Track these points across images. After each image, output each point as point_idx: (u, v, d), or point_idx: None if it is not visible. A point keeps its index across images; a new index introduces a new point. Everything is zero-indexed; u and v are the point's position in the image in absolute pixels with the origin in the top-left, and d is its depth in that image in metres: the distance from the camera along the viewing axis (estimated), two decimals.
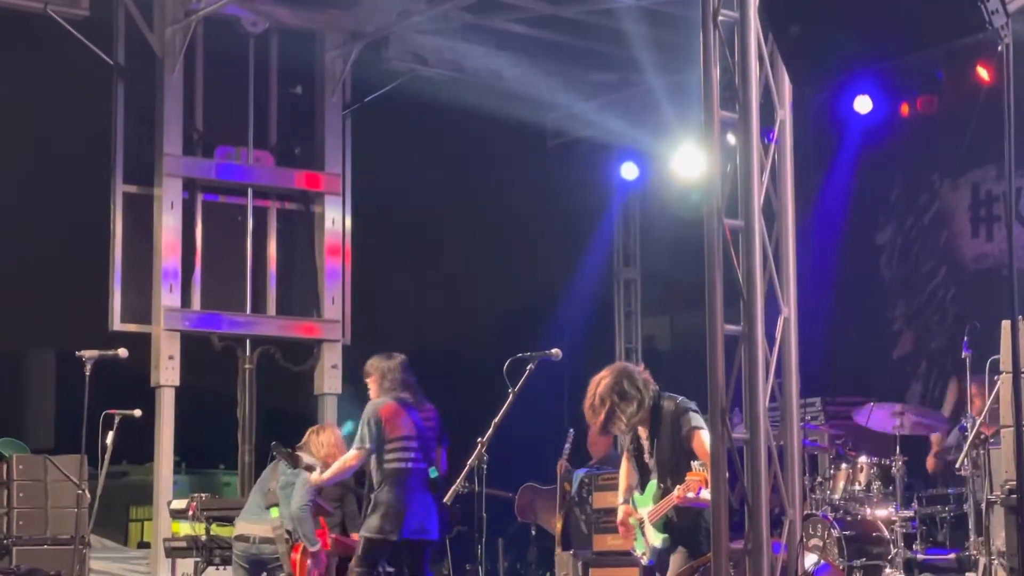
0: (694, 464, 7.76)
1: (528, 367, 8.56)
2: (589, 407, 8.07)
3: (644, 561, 8.26)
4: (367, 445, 9.75)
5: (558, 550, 12.03)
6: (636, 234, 17.53)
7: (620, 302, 17.45)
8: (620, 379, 8.05)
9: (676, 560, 8.08)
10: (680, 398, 8.08)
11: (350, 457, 9.92)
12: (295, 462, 10.31)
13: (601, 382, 8.05)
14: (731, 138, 7.00)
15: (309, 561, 10.35)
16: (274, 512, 10.49)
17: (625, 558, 10.90)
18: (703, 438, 7.73)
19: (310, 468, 10.27)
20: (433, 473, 9.83)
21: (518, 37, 15.16)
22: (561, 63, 15.65)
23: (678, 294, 16.91)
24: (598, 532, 11.36)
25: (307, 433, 10.87)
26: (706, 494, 7.37)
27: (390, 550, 9.74)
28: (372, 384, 10.07)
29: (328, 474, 10.12)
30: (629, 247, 17.54)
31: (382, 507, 9.68)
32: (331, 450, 11.33)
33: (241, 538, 10.62)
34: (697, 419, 7.89)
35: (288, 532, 10.44)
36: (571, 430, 12.40)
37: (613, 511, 10.84)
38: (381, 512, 9.67)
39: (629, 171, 17.06)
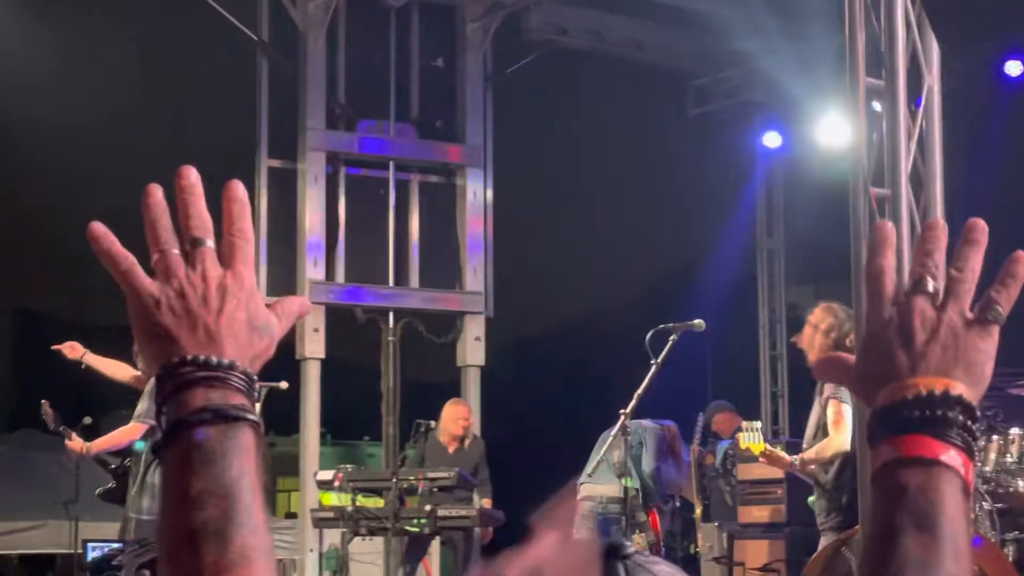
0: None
1: (671, 338, 8.51)
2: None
3: None
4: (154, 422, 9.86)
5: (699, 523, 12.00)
6: (779, 203, 17.34)
7: (763, 272, 17.29)
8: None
9: (826, 541, 8.03)
10: None
11: (133, 430, 9.77)
12: None
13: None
14: (877, 105, 6.89)
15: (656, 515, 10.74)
16: (627, 482, 10.61)
17: (770, 530, 10.84)
18: (834, 407, 7.68)
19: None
20: None
21: (658, 6, 15.04)
22: (702, 31, 15.51)
23: (822, 264, 16.69)
24: (743, 504, 11.29)
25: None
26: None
27: None
28: None
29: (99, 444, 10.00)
30: (772, 216, 17.36)
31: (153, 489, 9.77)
32: (461, 423, 11.51)
33: (587, 498, 10.91)
34: (838, 388, 7.80)
35: (638, 491, 10.66)
36: (700, 414, 12.34)
37: (757, 483, 10.80)
38: (151, 494, 9.71)
39: (772, 140, 16.88)
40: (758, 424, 8.73)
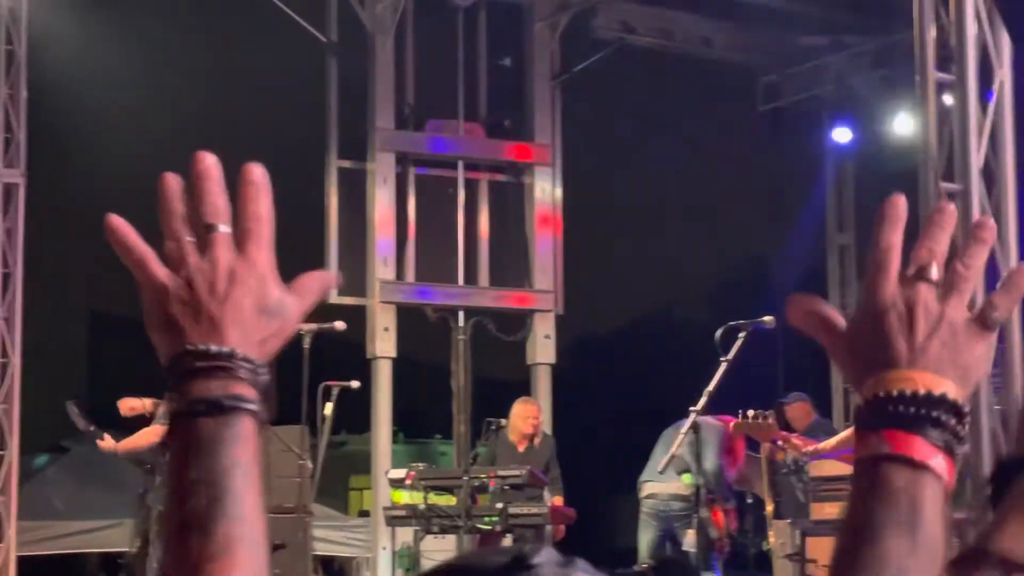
0: None
1: (741, 335, 8.49)
2: None
3: None
4: None
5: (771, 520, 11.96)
6: (850, 198, 17.23)
7: (834, 268, 17.19)
8: None
9: None
10: None
11: (156, 430, 10.20)
12: None
13: None
14: (948, 99, 6.85)
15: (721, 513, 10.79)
16: (686, 478, 10.66)
17: None
18: None
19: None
20: None
21: (727, 2, 15.01)
22: (771, 28, 15.46)
23: None
24: (816, 501, 11.23)
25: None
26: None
27: None
28: None
29: (126, 444, 10.37)
30: (843, 212, 17.26)
31: None
32: (531, 422, 11.55)
33: (651, 496, 10.98)
34: None
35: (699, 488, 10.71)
36: (770, 411, 12.30)
37: (830, 479, 10.75)
38: None
39: (842, 135, 16.79)
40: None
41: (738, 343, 8.47)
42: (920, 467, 1.35)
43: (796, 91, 16.43)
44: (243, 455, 1.38)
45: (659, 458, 10.83)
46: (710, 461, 10.52)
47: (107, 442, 10.50)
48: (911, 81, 6.90)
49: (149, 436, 10.33)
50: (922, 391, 1.38)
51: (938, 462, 1.36)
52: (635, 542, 11.44)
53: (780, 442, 11.25)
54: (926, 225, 1.48)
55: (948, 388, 1.38)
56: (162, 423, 10.10)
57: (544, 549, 1.36)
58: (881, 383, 1.41)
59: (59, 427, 10.87)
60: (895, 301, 1.44)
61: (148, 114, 16.05)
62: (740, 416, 9.15)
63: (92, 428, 10.63)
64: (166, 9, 15.39)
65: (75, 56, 13.73)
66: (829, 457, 9.81)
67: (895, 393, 1.39)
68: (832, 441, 8.79)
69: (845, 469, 10.01)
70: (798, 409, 12.66)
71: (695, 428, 9.01)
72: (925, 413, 1.37)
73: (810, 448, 9.05)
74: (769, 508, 11.83)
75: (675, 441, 10.28)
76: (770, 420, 8.96)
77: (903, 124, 14.86)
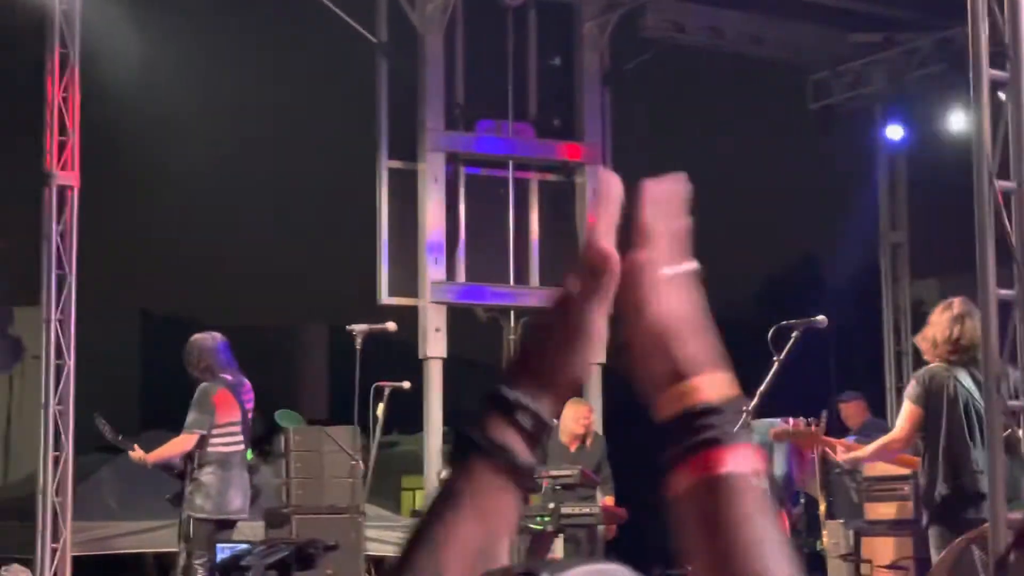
0: None
1: (793, 335, 8.45)
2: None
3: None
4: (204, 431, 10.37)
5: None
6: (903, 196, 17.13)
7: (887, 266, 17.09)
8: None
9: (934, 536, 7.97)
10: (932, 365, 8.04)
11: (184, 441, 10.42)
12: None
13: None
14: (1003, 96, 6.80)
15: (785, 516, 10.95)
16: None
17: (898, 527, 10.72)
18: (903, 407, 7.88)
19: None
20: (248, 455, 10.75)
21: (776, 1, 14.95)
22: (822, 24, 15.39)
23: (947, 257, 16.50)
24: (869, 500, 11.18)
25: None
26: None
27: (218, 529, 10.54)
28: (188, 362, 10.67)
29: (156, 455, 10.60)
30: (896, 210, 17.16)
31: (204, 488, 10.40)
32: (582, 422, 11.54)
33: None
34: (911, 386, 8.00)
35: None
36: (823, 411, 12.25)
37: (883, 479, 10.69)
38: (204, 493, 10.41)
39: (895, 132, 16.69)
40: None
41: (790, 343, 8.42)
42: (722, 478, 1.34)
43: (847, 89, 16.34)
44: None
45: None
46: (779, 466, 10.50)
47: (137, 452, 10.64)
48: (965, 78, 6.85)
49: (180, 446, 10.48)
50: (697, 404, 1.38)
51: (737, 461, 1.35)
52: None
53: (825, 449, 11.24)
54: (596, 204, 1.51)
55: (713, 387, 1.39)
56: (192, 432, 10.34)
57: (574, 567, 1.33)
58: (675, 400, 1.40)
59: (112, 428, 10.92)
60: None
61: (200, 116, 16.13)
62: (783, 424, 9.13)
63: (121, 438, 10.75)
64: (217, 12, 15.46)
65: (128, 58, 13.81)
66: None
67: (683, 412, 1.38)
68: (868, 449, 8.76)
69: (899, 469, 9.95)
70: (854, 407, 12.62)
71: (747, 428, 8.99)
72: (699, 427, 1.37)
73: (848, 456, 9.04)
74: (822, 507, 11.78)
75: None
76: (813, 428, 8.94)
77: (956, 121, 14.76)
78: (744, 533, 1.31)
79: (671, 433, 1.37)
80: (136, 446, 10.63)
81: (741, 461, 1.35)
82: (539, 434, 1.41)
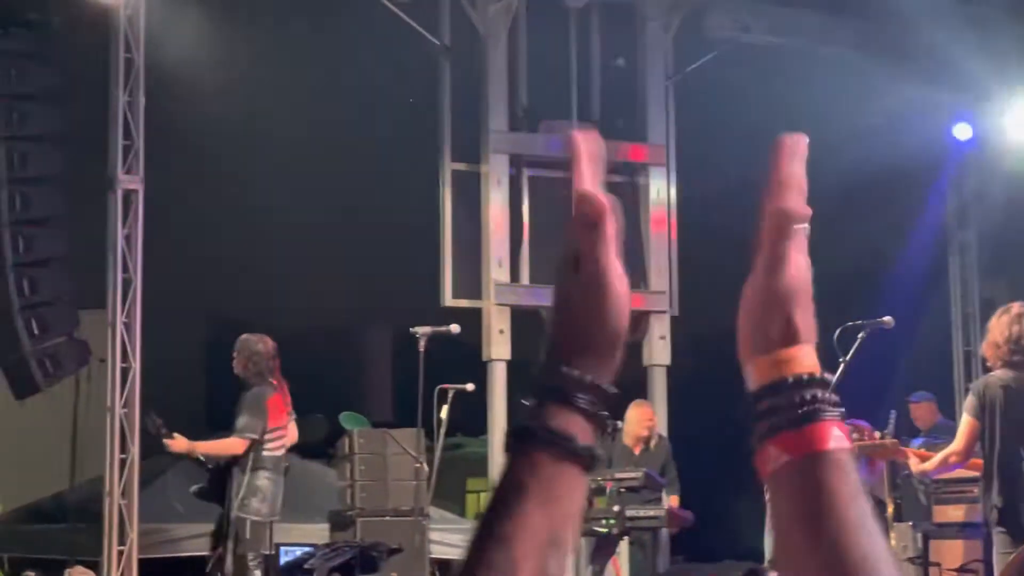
0: None
1: (859, 335, 8.39)
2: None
3: None
4: (256, 436, 10.46)
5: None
6: (970, 195, 16.98)
7: (955, 265, 16.95)
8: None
9: (997, 543, 7.92)
10: (989, 374, 8.05)
11: (236, 444, 10.50)
12: None
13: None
14: None
15: None
16: None
17: (967, 530, 10.62)
18: (962, 419, 7.91)
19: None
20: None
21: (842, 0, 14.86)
22: (889, 22, 15.26)
23: (1017, 256, 16.33)
24: (938, 503, 11.08)
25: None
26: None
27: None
28: (239, 364, 10.74)
29: (205, 448, 10.79)
30: (963, 209, 17.01)
31: (261, 492, 10.51)
32: (646, 424, 11.49)
33: None
34: (968, 398, 8.06)
35: None
36: (893, 412, 12.15)
37: (952, 481, 10.59)
38: (261, 496, 10.51)
39: (962, 131, 16.54)
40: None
41: (856, 344, 8.36)
42: (821, 456, 1.29)
43: (914, 87, 16.20)
44: None
45: None
46: None
47: (180, 442, 10.64)
48: None
49: (231, 448, 10.56)
50: (804, 373, 1.32)
51: (836, 437, 1.29)
52: (760, 544, 11.32)
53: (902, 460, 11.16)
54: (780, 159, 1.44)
55: (811, 358, 1.33)
56: (244, 437, 10.41)
57: None
58: (779, 366, 1.33)
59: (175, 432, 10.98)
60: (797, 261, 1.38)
61: (265, 119, 16.18)
62: (859, 437, 9.07)
63: (163, 429, 10.76)
64: (280, 15, 15.51)
65: (193, 62, 13.87)
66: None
67: (791, 380, 1.31)
68: (932, 463, 8.73)
69: (968, 472, 9.84)
70: (924, 409, 12.51)
71: None
72: (811, 400, 1.31)
73: (917, 469, 9.02)
74: (889, 509, 11.68)
75: None
76: (887, 440, 8.91)
77: None
78: (851, 513, 1.26)
79: (765, 401, 1.31)
80: (177, 435, 10.64)
81: (845, 438, 1.30)
82: (602, 403, 1.35)
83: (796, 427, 1.29)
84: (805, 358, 1.33)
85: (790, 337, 1.33)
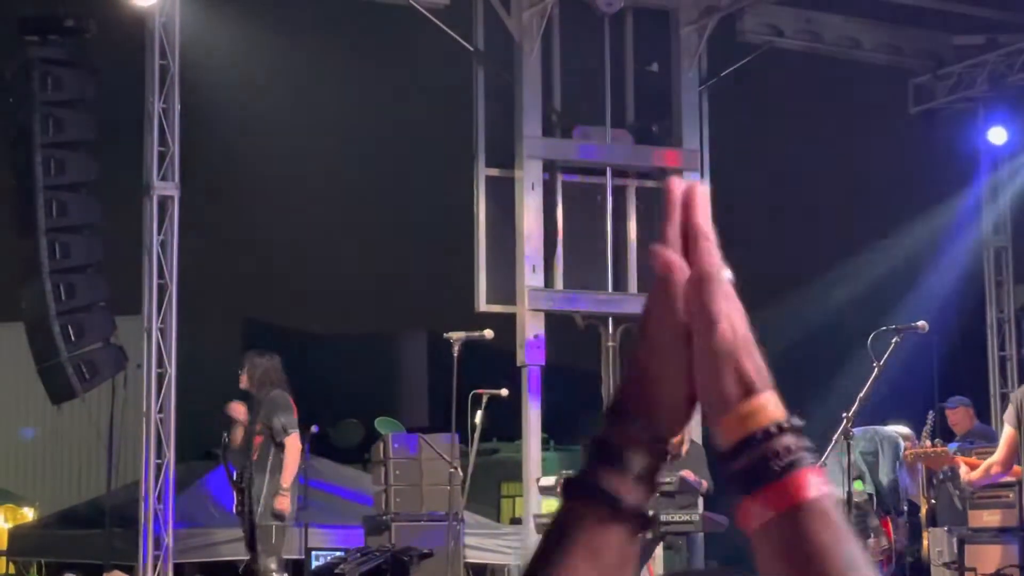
0: None
1: (894, 340, 8.37)
2: None
3: None
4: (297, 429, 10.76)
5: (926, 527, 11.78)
6: (1006, 200, 16.92)
7: (990, 271, 16.88)
8: None
9: None
10: None
11: (295, 444, 10.83)
12: None
13: None
14: None
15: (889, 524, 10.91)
16: (858, 485, 10.66)
17: (1003, 535, 10.58)
18: (1003, 430, 7.87)
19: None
20: None
21: (876, 4, 14.82)
22: (922, 27, 15.23)
23: None
24: (973, 508, 11.04)
25: None
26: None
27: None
28: (245, 377, 11.00)
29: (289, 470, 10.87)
30: (999, 214, 16.94)
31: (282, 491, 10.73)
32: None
33: None
34: (1008, 408, 8.02)
35: (871, 496, 10.74)
36: (931, 412, 12.11)
37: (987, 486, 10.55)
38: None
39: (997, 135, 16.48)
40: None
41: (891, 348, 8.34)
42: (805, 506, 1.26)
43: (949, 92, 16.17)
44: None
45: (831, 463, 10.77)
46: (885, 474, 10.44)
47: (283, 502, 10.78)
48: None
49: (296, 451, 10.79)
50: (770, 425, 1.29)
51: (816, 485, 1.27)
52: None
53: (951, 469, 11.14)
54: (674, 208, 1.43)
55: (774, 405, 1.30)
56: (292, 431, 10.58)
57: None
58: (744, 422, 1.30)
59: (214, 436, 11.06)
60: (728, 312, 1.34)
61: (300, 125, 16.25)
62: (915, 444, 9.16)
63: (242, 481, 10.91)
64: (315, 22, 15.57)
65: (228, 69, 13.94)
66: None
67: (759, 435, 1.28)
68: (976, 474, 8.84)
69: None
70: (960, 413, 12.46)
71: (846, 434, 8.88)
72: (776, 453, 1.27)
73: (965, 479, 9.10)
74: (923, 511, 11.66)
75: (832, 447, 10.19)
76: (939, 448, 8.95)
77: None
78: (839, 561, 1.25)
79: (740, 459, 1.28)
80: (279, 497, 10.81)
81: (824, 481, 1.28)
82: (657, 462, 1.35)
83: (775, 481, 1.27)
84: (768, 407, 1.30)
85: (745, 389, 1.30)
